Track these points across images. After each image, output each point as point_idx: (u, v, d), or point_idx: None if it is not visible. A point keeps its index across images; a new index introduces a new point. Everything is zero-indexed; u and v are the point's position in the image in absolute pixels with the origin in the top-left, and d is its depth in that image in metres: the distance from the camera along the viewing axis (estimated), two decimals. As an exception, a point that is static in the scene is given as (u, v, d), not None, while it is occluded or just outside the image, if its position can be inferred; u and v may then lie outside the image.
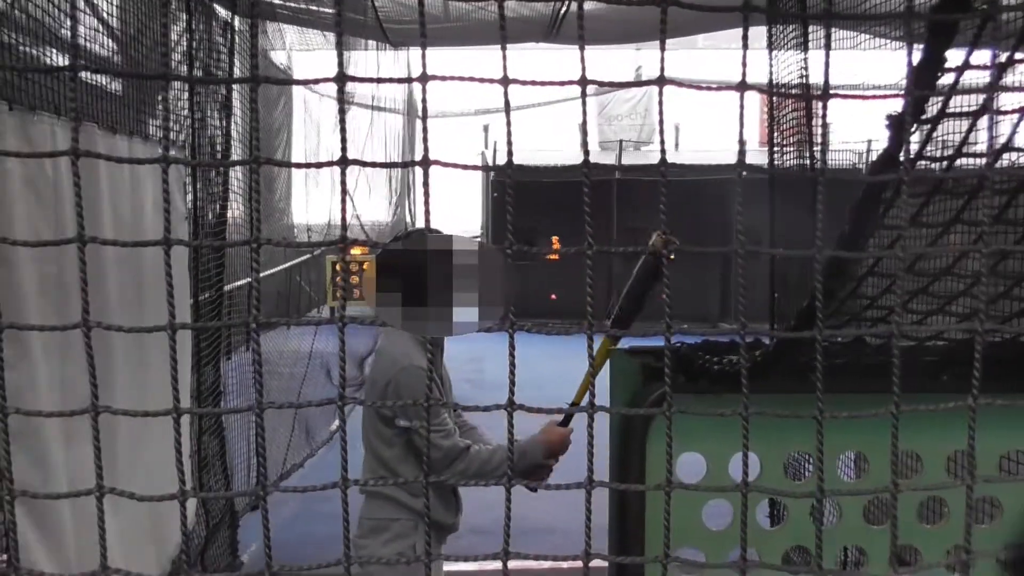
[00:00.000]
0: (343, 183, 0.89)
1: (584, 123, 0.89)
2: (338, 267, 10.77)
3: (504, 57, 0.89)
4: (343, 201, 0.88)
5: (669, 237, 2.56)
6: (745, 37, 0.88)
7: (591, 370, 0.87)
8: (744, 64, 0.86)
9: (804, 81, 5.06)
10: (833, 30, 3.90)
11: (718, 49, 17.10)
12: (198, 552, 5.27)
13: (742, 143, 0.89)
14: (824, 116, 1.06)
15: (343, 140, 0.88)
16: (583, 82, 0.91)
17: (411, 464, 3.35)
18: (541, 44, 10.10)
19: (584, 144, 0.88)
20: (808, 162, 5.11)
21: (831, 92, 0.94)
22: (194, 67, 4.82)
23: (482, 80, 0.92)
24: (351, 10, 8.17)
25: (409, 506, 3.37)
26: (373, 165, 0.95)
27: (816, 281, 0.87)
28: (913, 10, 0.91)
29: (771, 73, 5.35)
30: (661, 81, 0.95)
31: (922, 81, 1.30)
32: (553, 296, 16.76)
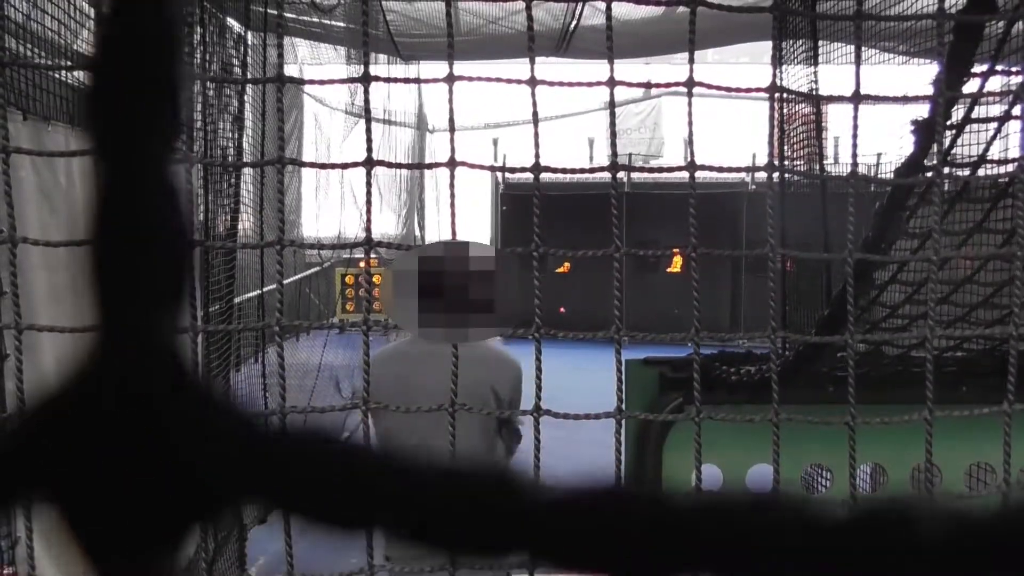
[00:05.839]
0: (368, 184, 0.88)
1: (612, 123, 0.88)
2: (348, 279, 10.80)
3: (532, 59, 0.88)
4: (368, 203, 0.87)
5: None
6: (776, 38, 0.87)
7: None
8: (775, 63, 0.85)
9: (815, 93, 5.05)
10: (840, 44, 3.90)
11: (726, 64, 17.12)
12: (207, 565, 5.24)
13: (771, 145, 0.88)
14: (856, 118, 1.05)
15: (368, 140, 0.87)
16: (611, 83, 0.90)
17: None
18: (550, 59, 10.12)
19: (613, 145, 0.87)
20: (818, 174, 5.09)
21: (861, 95, 0.93)
22: (206, 80, 4.82)
23: (508, 81, 0.91)
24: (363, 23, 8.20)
25: None
26: (398, 166, 0.95)
27: (847, 285, 0.86)
28: (944, 10, 0.90)
29: (782, 84, 5.33)
30: (690, 83, 0.94)
31: (950, 85, 1.29)
32: (562, 309, 16.70)
